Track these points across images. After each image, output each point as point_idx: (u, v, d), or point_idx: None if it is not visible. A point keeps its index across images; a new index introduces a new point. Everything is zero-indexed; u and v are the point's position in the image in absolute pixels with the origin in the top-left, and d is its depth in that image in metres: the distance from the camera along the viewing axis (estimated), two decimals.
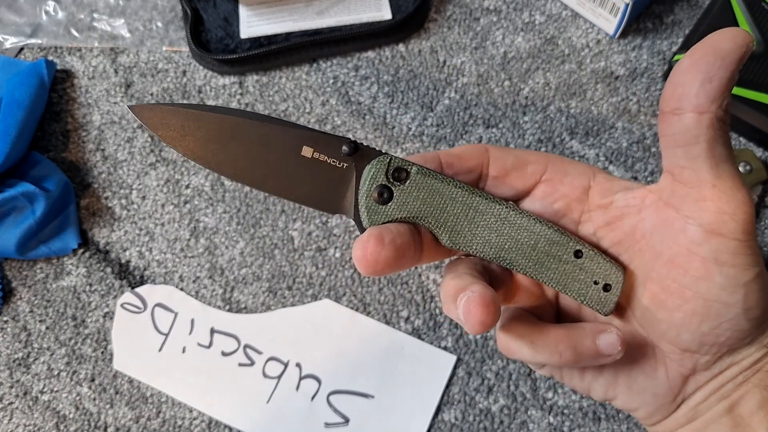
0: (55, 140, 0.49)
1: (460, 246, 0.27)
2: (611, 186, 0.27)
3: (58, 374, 0.44)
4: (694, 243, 0.24)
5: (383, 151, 0.27)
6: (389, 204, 0.27)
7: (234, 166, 0.27)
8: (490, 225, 0.26)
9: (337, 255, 0.46)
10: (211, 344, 0.44)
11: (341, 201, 0.27)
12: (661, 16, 0.51)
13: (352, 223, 0.46)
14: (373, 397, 0.43)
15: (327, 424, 0.42)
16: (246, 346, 0.44)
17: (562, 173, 0.28)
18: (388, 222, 0.27)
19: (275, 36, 0.50)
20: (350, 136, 0.48)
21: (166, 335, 0.44)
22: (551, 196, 0.27)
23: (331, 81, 0.50)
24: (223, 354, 0.44)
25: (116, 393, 0.44)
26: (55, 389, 0.44)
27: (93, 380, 0.44)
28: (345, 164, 0.27)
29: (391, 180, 0.27)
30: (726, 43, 0.22)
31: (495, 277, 0.28)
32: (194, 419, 0.43)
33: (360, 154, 0.27)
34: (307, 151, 0.27)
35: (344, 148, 0.27)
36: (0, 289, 0.46)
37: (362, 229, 0.27)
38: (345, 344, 0.44)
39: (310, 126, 0.48)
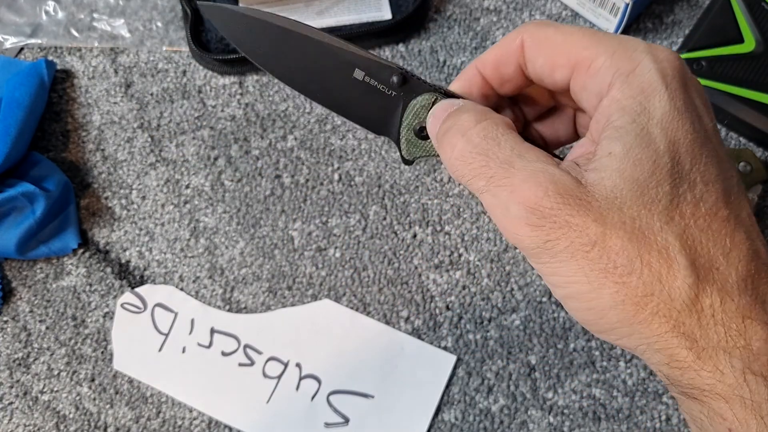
0: (55, 140, 0.49)
1: None
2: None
3: (58, 374, 0.44)
4: None
5: (432, 85, 0.28)
6: (429, 140, 0.28)
7: (293, 77, 0.28)
8: None
9: (337, 255, 0.46)
10: (211, 344, 0.44)
11: (387, 126, 0.28)
12: (661, 16, 0.51)
13: (352, 223, 0.46)
14: (373, 397, 0.43)
15: (327, 424, 0.42)
16: (246, 346, 0.44)
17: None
18: (425, 156, 0.28)
19: None
20: (350, 136, 0.48)
21: (166, 335, 0.44)
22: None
23: None
24: (223, 354, 0.44)
25: (116, 393, 0.44)
26: (55, 389, 0.44)
27: (93, 380, 0.44)
28: (393, 92, 0.28)
29: None
30: None
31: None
32: (194, 419, 0.43)
33: (408, 86, 0.28)
34: (359, 74, 0.28)
35: (394, 78, 0.28)
36: (0, 289, 0.46)
37: (402, 157, 0.29)
38: (345, 344, 0.44)
39: (310, 125, 0.48)
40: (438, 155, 0.28)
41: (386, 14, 0.50)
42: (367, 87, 0.28)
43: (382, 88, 0.28)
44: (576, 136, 0.31)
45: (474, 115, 0.25)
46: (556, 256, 0.23)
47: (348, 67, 0.28)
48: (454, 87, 0.29)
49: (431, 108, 0.27)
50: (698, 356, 0.22)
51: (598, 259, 0.22)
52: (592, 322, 0.24)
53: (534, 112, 0.30)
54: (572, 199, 0.23)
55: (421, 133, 0.28)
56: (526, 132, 0.31)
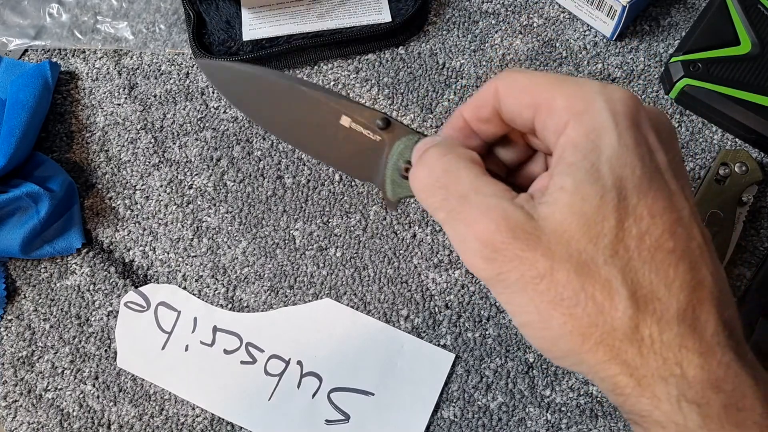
0: (59, 141, 0.50)
1: None
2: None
3: (62, 372, 0.45)
4: None
5: (415, 130, 0.29)
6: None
7: (281, 127, 0.30)
8: None
9: (338, 254, 0.46)
10: (213, 342, 0.45)
11: (371, 171, 0.30)
12: (657, 19, 0.52)
13: (353, 223, 0.47)
14: (373, 394, 0.43)
15: (328, 421, 0.43)
16: (248, 345, 0.44)
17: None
18: (410, 195, 0.29)
19: (277, 38, 0.51)
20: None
21: (169, 334, 0.45)
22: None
23: (332, 83, 0.51)
24: (226, 352, 0.44)
25: (120, 391, 0.44)
26: (59, 387, 0.44)
27: (97, 378, 0.44)
28: (378, 137, 0.29)
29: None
30: None
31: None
32: (197, 416, 0.43)
33: (392, 129, 0.29)
34: (345, 121, 0.29)
35: (378, 122, 0.29)
36: (4, 288, 0.46)
37: (388, 200, 0.30)
38: (345, 342, 0.44)
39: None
40: None
41: (386, 17, 0.51)
42: (352, 133, 0.29)
43: (368, 133, 0.29)
44: None
45: (440, 149, 0.27)
46: (509, 287, 0.24)
47: (335, 114, 0.29)
48: (442, 132, 0.30)
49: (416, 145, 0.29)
50: (638, 383, 0.23)
51: (546, 291, 0.24)
52: (546, 349, 0.25)
53: (514, 159, 0.31)
54: (522, 234, 0.24)
55: (406, 173, 0.29)
56: (509, 177, 0.31)
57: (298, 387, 0.44)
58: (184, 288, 0.46)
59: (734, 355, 0.23)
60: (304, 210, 0.47)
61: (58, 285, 0.46)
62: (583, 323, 0.23)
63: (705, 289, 0.24)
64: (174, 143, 0.49)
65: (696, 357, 0.23)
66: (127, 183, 0.49)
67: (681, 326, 0.23)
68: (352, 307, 0.45)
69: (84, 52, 0.52)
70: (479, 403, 0.43)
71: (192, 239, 0.47)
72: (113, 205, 0.48)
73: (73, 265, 0.47)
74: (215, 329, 0.45)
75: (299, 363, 0.44)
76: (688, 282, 0.23)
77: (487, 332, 0.44)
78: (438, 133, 0.30)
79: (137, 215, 0.48)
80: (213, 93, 0.50)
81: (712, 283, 0.24)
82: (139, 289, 0.46)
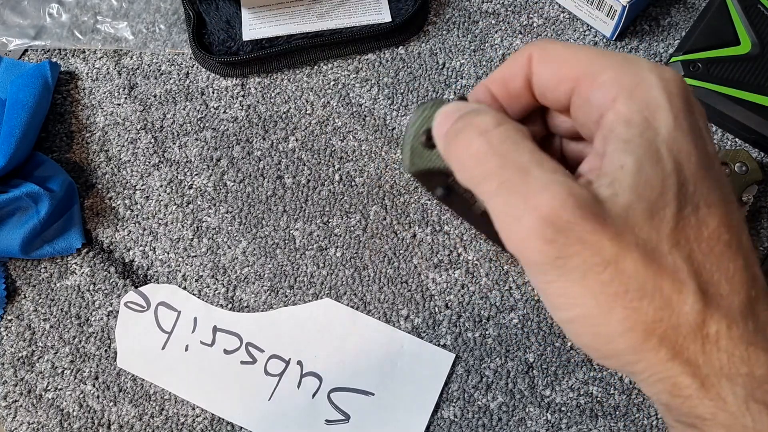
0: (59, 141, 0.50)
1: None
2: None
3: (62, 372, 0.45)
4: None
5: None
6: (435, 150, 0.26)
7: None
8: None
9: (338, 254, 0.46)
10: (213, 342, 0.45)
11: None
12: (657, 19, 0.52)
13: (353, 223, 0.47)
14: (373, 394, 0.43)
15: (328, 421, 0.43)
16: (248, 345, 0.44)
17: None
18: (429, 168, 0.26)
19: (277, 38, 0.51)
20: (351, 137, 0.49)
21: (169, 334, 0.45)
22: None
23: (332, 83, 0.51)
24: (226, 352, 0.44)
25: (120, 391, 0.44)
26: (59, 387, 0.44)
27: (97, 378, 0.44)
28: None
29: None
30: None
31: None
32: (197, 416, 0.43)
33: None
34: None
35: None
36: (4, 288, 0.46)
37: (406, 171, 0.27)
38: (345, 342, 0.44)
39: (311, 126, 0.49)
40: (443, 168, 0.26)
41: (386, 17, 0.51)
42: None
43: None
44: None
45: (493, 117, 0.24)
46: (565, 275, 0.22)
47: None
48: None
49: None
50: (702, 383, 0.22)
51: (609, 282, 0.21)
52: (597, 348, 0.23)
53: None
54: (590, 214, 0.21)
55: (429, 142, 0.26)
56: None
57: (298, 387, 0.44)
58: (184, 288, 0.46)
59: None
60: (304, 210, 0.47)
61: (58, 285, 0.46)
62: (648, 318, 0.21)
63: (759, 285, 0.23)
64: (174, 143, 0.49)
65: (763, 354, 0.21)
66: (127, 183, 0.49)
67: (747, 323, 0.22)
68: (352, 307, 0.45)
69: (84, 52, 0.52)
70: (479, 403, 0.43)
71: (192, 239, 0.47)
72: (113, 205, 0.48)
73: (73, 265, 0.47)
74: (215, 329, 0.45)
75: (299, 363, 0.44)
76: (746, 277, 0.22)
77: (487, 332, 0.44)
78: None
79: (137, 215, 0.48)
80: (213, 93, 0.51)
81: (763, 280, 0.23)
82: (139, 289, 0.46)
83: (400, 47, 0.51)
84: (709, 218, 0.22)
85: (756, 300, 0.22)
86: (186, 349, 0.45)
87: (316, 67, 0.51)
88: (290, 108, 0.50)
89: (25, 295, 0.46)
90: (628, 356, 0.22)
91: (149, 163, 0.49)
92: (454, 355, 0.44)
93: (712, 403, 0.22)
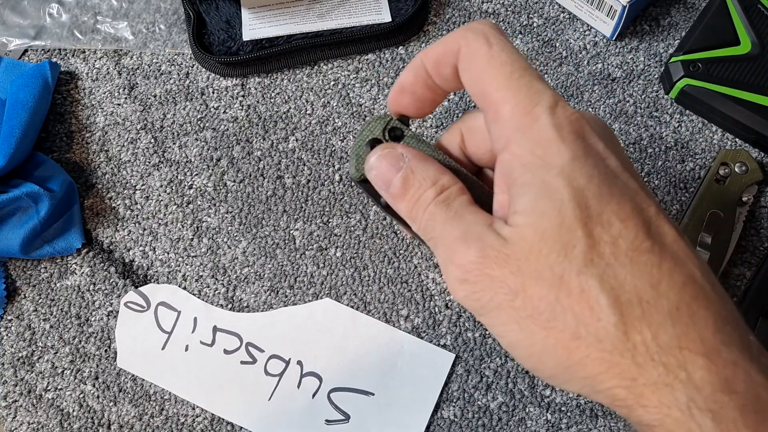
0: (59, 141, 0.50)
1: None
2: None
3: (62, 372, 0.45)
4: None
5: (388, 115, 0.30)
6: None
7: None
8: None
9: (338, 254, 0.46)
10: (213, 342, 0.45)
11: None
12: (657, 19, 0.52)
13: (353, 223, 0.47)
14: (373, 394, 0.43)
15: (328, 421, 0.43)
16: (248, 345, 0.44)
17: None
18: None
19: (277, 38, 0.51)
20: (351, 137, 0.49)
21: (169, 334, 0.45)
22: None
23: (332, 83, 0.51)
24: (226, 352, 0.44)
25: (120, 391, 0.44)
26: (59, 387, 0.44)
27: (97, 378, 0.44)
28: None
29: (387, 138, 0.29)
30: None
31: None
32: (197, 416, 0.43)
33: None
34: None
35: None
36: (4, 288, 0.46)
37: (352, 179, 0.30)
38: (345, 342, 0.44)
39: (311, 126, 0.49)
40: None
41: (386, 17, 0.51)
42: None
43: None
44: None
45: (432, 191, 0.27)
46: (486, 307, 0.24)
47: None
48: (403, 77, 0.29)
49: (386, 126, 0.29)
50: (640, 394, 0.22)
51: (522, 307, 0.23)
52: (535, 368, 0.25)
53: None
54: (492, 254, 0.24)
55: (373, 147, 0.29)
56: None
57: (298, 387, 0.44)
58: (184, 288, 0.46)
59: (740, 352, 0.22)
60: (304, 210, 0.47)
61: (58, 285, 0.46)
62: (566, 336, 0.23)
63: (696, 284, 0.23)
64: (174, 143, 0.49)
65: (700, 357, 0.22)
66: (127, 183, 0.49)
67: (677, 326, 0.22)
68: (352, 307, 0.45)
69: (84, 52, 0.52)
70: (479, 403, 0.43)
71: (192, 239, 0.47)
72: (113, 205, 0.48)
73: (73, 265, 0.47)
74: (215, 329, 0.45)
75: (299, 363, 0.44)
76: (676, 279, 0.23)
77: (487, 332, 0.44)
78: (400, 78, 0.29)
79: (137, 215, 0.48)
80: (213, 93, 0.51)
81: (701, 277, 0.23)
82: (139, 289, 0.46)
83: (400, 47, 0.51)
84: (624, 231, 0.23)
85: (693, 300, 0.22)
86: (186, 349, 0.45)
87: (316, 67, 0.51)
88: (290, 108, 0.50)
89: (25, 295, 0.46)
90: (561, 374, 0.24)
91: (149, 163, 0.49)
92: (454, 355, 0.44)
93: (655, 409, 0.22)
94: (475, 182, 0.29)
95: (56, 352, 0.45)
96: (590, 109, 0.49)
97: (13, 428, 0.44)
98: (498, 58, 0.25)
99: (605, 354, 0.22)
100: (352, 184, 0.30)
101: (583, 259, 0.23)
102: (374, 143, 0.29)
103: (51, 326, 0.46)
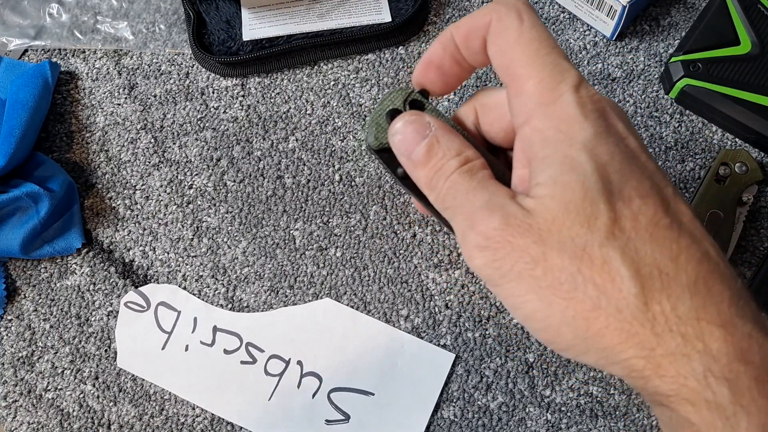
0: (59, 141, 0.50)
1: None
2: None
3: (62, 372, 0.45)
4: None
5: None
6: None
7: None
8: None
9: (338, 254, 0.46)
10: (213, 342, 0.45)
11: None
12: (657, 19, 0.52)
13: (353, 223, 0.47)
14: (373, 394, 0.43)
15: (328, 421, 0.43)
16: (248, 345, 0.44)
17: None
18: (390, 147, 0.29)
19: (277, 38, 0.51)
20: (351, 137, 0.49)
21: (169, 334, 0.45)
22: None
23: (332, 83, 0.51)
24: (226, 352, 0.44)
25: (120, 391, 0.44)
26: (59, 387, 0.44)
27: (97, 378, 0.44)
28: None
29: (407, 109, 0.29)
30: None
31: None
32: (197, 416, 0.43)
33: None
34: None
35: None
36: (4, 288, 0.46)
37: (370, 148, 0.29)
38: (346, 342, 0.44)
39: (311, 126, 0.49)
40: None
41: (386, 17, 0.51)
42: None
43: None
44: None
45: (456, 162, 0.27)
46: (506, 276, 0.24)
47: None
48: (432, 50, 0.29)
49: (407, 98, 0.29)
50: (658, 364, 0.23)
51: (543, 277, 0.24)
52: (551, 341, 0.25)
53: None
54: (515, 223, 0.24)
55: (393, 118, 0.29)
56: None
57: (298, 387, 0.44)
58: (184, 288, 0.46)
59: (754, 325, 0.23)
60: (304, 210, 0.47)
61: (58, 285, 0.46)
62: (586, 307, 0.23)
63: (711, 260, 0.23)
64: (174, 143, 0.49)
65: (717, 329, 0.22)
66: (127, 183, 0.49)
67: (695, 298, 0.22)
68: (352, 307, 0.45)
69: (84, 52, 0.52)
70: (479, 403, 0.43)
71: (192, 239, 0.47)
72: (113, 205, 0.48)
73: (73, 265, 0.47)
74: (215, 329, 0.45)
75: (299, 363, 0.44)
76: (694, 254, 0.23)
77: (487, 332, 0.44)
78: (429, 50, 0.29)
79: (137, 215, 0.48)
80: (213, 93, 0.51)
81: (716, 255, 0.24)
82: (139, 289, 0.46)
83: (400, 47, 0.51)
84: (644, 207, 0.23)
85: (709, 274, 0.23)
86: (186, 349, 0.45)
87: (316, 67, 0.51)
88: (290, 108, 0.50)
89: (25, 295, 0.46)
90: (578, 345, 0.24)
91: (149, 163, 0.49)
92: (454, 355, 0.44)
93: (672, 379, 0.23)
94: (492, 159, 0.28)
95: (56, 352, 0.45)
96: None
97: (13, 428, 0.44)
98: (528, 33, 0.26)
99: (625, 324, 0.23)
100: (369, 153, 0.30)
101: (605, 232, 0.23)
102: (394, 114, 0.28)
103: (51, 326, 0.46)
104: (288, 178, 0.48)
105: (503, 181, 0.27)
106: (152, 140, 0.49)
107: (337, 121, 0.49)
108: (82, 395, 0.44)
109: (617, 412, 0.42)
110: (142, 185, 0.48)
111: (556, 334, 0.24)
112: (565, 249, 0.23)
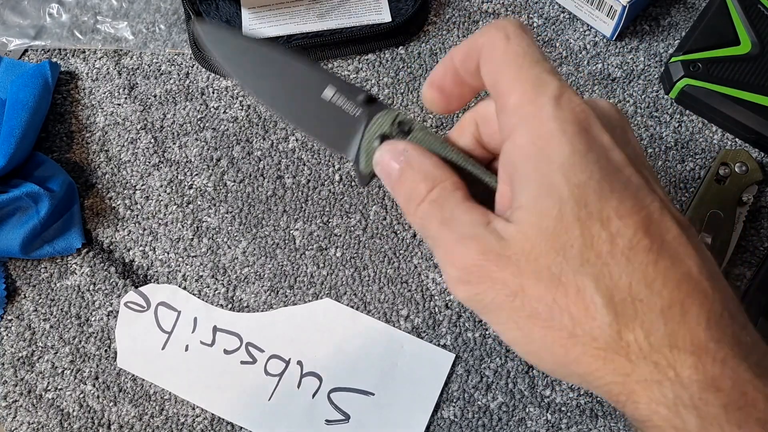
0: (59, 141, 0.50)
1: None
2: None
3: (62, 372, 0.45)
4: None
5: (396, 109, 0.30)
6: None
7: (266, 93, 0.31)
8: None
9: (338, 254, 0.46)
10: (213, 342, 0.45)
11: (347, 144, 0.30)
12: (657, 19, 0.52)
13: (353, 223, 0.47)
14: (373, 394, 0.43)
15: (328, 421, 0.43)
16: (248, 345, 0.44)
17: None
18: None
19: (277, 38, 0.51)
20: None
21: (169, 334, 0.45)
22: None
23: None
24: (226, 352, 0.44)
25: (120, 391, 0.44)
26: (59, 387, 0.44)
27: (97, 378, 0.44)
28: (358, 112, 0.30)
29: (395, 132, 0.29)
30: None
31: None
32: (197, 416, 0.43)
33: (374, 106, 0.30)
34: (328, 93, 0.30)
35: (360, 97, 0.30)
36: (4, 288, 0.46)
37: (359, 174, 0.30)
38: (346, 342, 0.44)
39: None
40: None
41: (386, 17, 0.51)
42: (332, 107, 0.30)
43: (348, 107, 0.30)
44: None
45: (425, 185, 0.27)
46: (488, 307, 0.25)
47: (319, 85, 0.30)
48: (434, 72, 0.29)
49: (394, 120, 0.29)
50: (632, 390, 0.23)
51: (522, 307, 0.24)
52: (536, 363, 0.25)
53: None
54: (493, 255, 0.24)
55: (383, 142, 0.29)
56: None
57: (298, 387, 0.44)
58: (184, 288, 0.46)
59: (731, 349, 0.22)
60: (304, 210, 0.47)
61: (58, 285, 0.46)
62: (563, 335, 0.23)
63: (692, 281, 0.23)
64: (174, 143, 0.49)
65: (688, 356, 0.22)
66: (127, 183, 0.49)
67: (668, 325, 0.22)
68: (352, 307, 0.45)
69: (84, 52, 0.52)
70: (479, 403, 0.43)
71: (192, 239, 0.47)
72: (113, 205, 0.48)
73: (73, 265, 0.47)
74: (215, 329, 0.45)
75: (299, 363, 0.44)
76: (671, 277, 0.23)
77: (487, 332, 0.44)
78: (431, 74, 0.29)
79: (137, 215, 0.48)
80: (213, 93, 0.51)
81: (698, 274, 0.23)
82: (139, 289, 0.46)
83: (400, 47, 0.51)
84: (623, 229, 0.23)
85: (687, 297, 0.23)
86: (186, 349, 0.45)
87: None
88: None
89: (25, 295, 0.46)
90: (559, 370, 0.25)
91: (149, 163, 0.49)
92: (454, 355, 0.44)
93: (645, 406, 0.23)
94: (480, 175, 0.28)
95: (56, 352, 0.45)
96: None
97: (13, 428, 0.44)
98: (513, 50, 0.25)
99: (600, 351, 0.23)
100: (363, 180, 0.31)
101: (579, 259, 0.23)
102: (383, 138, 0.29)
103: (51, 326, 0.46)
104: (288, 178, 0.48)
105: (489, 197, 0.27)
106: (152, 140, 0.49)
107: None
108: (82, 395, 0.44)
109: (617, 412, 0.42)
110: (142, 185, 0.48)
111: (538, 359, 0.25)
112: (541, 279, 0.23)
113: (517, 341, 0.25)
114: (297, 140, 0.49)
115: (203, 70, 0.51)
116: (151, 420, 0.44)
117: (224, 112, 0.50)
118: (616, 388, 0.23)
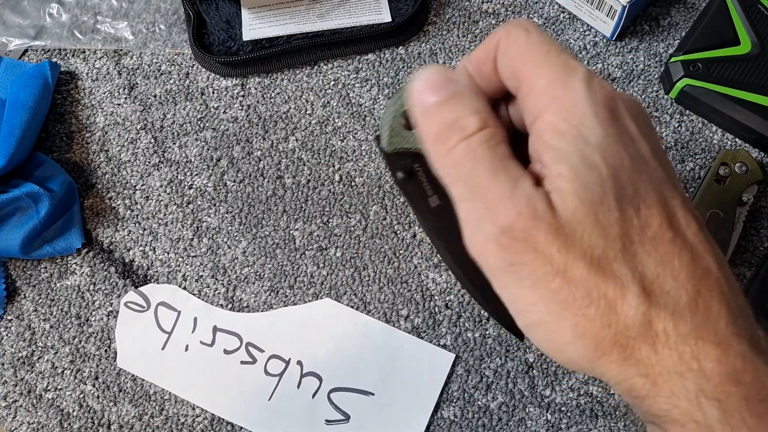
0: (59, 141, 0.50)
1: None
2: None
3: (62, 372, 0.45)
4: None
5: None
6: (413, 131, 0.27)
7: None
8: None
9: (338, 254, 0.46)
10: (213, 342, 0.45)
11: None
12: (657, 19, 0.52)
13: (353, 223, 0.47)
14: (373, 394, 0.43)
15: (328, 421, 0.43)
16: (248, 345, 0.44)
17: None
18: (404, 150, 0.27)
19: (277, 38, 0.51)
20: (351, 137, 0.49)
21: (169, 334, 0.45)
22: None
23: (332, 83, 0.51)
24: (226, 352, 0.44)
25: (120, 391, 0.44)
26: (59, 387, 0.44)
27: (97, 378, 0.44)
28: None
29: None
30: None
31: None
32: (197, 416, 0.43)
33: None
34: None
35: None
36: (4, 288, 0.46)
37: (381, 150, 0.27)
38: (345, 342, 0.44)
39: (311, 126, 0.49)
40: (417, 150, 0.27)
41: (386, 17, 0.51)
42: None
43: None
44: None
45: (478, 119, 0.24)
46: (519, 281, 0.23)
47: None
48: None
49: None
50: (654, 383, 0.22)
51: (558, 290, 0.22)
52: (555, 355, 0.24)
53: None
54: (544, 224, 0.22)
55: (408, 123, 0.27)
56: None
57: (298, 387, 0.44)
58: (184, 288, 0.46)
59: (749, 345, 0.23)
60: (304, 210, 0.47)
61: (58, 285, 0.46)
62: (596, 325, 0.22)
63: (712, 277, 0.23)
64: (174, 143, 0.49)
65: (713, 349, 0.22)
66: (127, 183, 0.49)
67: (695, 317, 0.22)
68: (352, 307, 0.45)
69: (84, 52, 0.52)
70: (479, 403, 0.43)
71: (192, 239, 0.47)
72: (113, 205, 0.48)
73: (73, 265, 0.47)
74: (215, 329, 0.45)
75: (299, 363, 0.44)
76: (694, 272, 0.23)
77: (487, 332, 0.44)
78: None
79: (137, 215, 0.48)
80: (213, 93, 0.51)
81: (717, 271, 0.23)
82: (139, 289, 0.46)
83: (400, 47, 0.51)
84: (650, 219, 0.23)
85: (708, 292, 0.23)
86: (186, 349, 0.45)
87: (316, 67, 0.51)
88: (290, 108, 0.50)
89: (25, 295, 0.46)
90: (582, 364, 0.23)
91: (149, 163, 0.49)
92: (454, 355, 0.44)
93: (665, 400, 0.23)
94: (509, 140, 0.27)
95: (56, 352, 0.45)
96: None
97: (13, 428, 0.44)
98: (536, 39, 0.25)
99: (630, 341, 0.22)
100: (379, 154, 0.28)
101: (619, 243, 0.22)
102: (408, 119, 0.27)
103: (51, 326, 0.46)
104: (288, 178, 0.48)
105: None
106: (152, 140, 0.49)
107: (337, 121, 0.49)
108: (82, 395, 0.44)
109: (617, 412, 0.42)
110: (142, 185, 0.48)
111: (561, 350, 0.24)
112: (585, 260, 0.22)
113: (540, 327, 0.24)
114: (297, 140, 0.49)
115: (203, 70, 0.51)
116: (151, 420, 0.44)
117: (224, 112, 0.50)
118: (640, 380, 0.23)
